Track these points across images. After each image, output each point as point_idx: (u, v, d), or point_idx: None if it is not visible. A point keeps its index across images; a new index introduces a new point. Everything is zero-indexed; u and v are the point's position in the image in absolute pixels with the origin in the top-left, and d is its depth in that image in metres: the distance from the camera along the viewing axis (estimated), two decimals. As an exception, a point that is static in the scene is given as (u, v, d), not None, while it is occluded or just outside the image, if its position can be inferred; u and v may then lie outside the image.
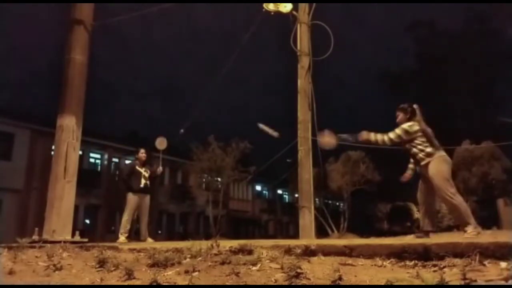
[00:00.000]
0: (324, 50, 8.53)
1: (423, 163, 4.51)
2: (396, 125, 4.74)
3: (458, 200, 4.25)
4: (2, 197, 19.26)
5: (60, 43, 6.75)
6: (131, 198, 7.17)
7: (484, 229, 4.24)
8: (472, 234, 4.04)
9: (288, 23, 8.58)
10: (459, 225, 4.30)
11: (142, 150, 7.55)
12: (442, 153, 4.52)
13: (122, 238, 6.97)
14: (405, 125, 4.59)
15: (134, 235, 8.06)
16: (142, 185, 7.23)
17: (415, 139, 4.55)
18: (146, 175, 7.33)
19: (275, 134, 7.40)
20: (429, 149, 4.48)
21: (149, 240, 7.16)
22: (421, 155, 4.52)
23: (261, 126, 7.40)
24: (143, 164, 7.43)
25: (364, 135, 4.79)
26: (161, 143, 7.97)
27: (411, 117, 4.66)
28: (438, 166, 4.40)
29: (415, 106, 4.73)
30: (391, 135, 4.63)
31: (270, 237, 28.55)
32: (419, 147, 4.52)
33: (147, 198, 7.36)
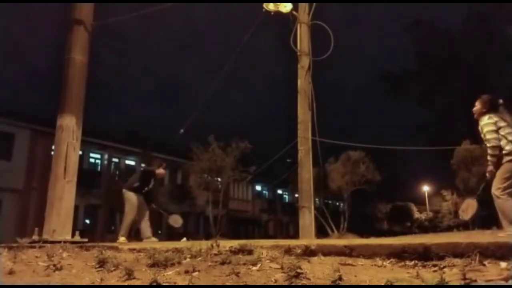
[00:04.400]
0: (324, 50, 8.53)
1: (504, 160, 4.19)
2: (471, 114, 4.51)
3: (500, 202, 4.05)
4: (2, 197, 19.25)
5: (60, 43, 6.75)
6: (134, 196, 7.18)
7: (484, 229, 4.19)
8: (506, 234, 3.83)
9: (288, 23, 8.59)
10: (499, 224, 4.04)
11: (165, 167, 7.86)
12: None
13: (122, 238, 6.95)
14: (486, 120, 4.28)
15: (134, 235, 8.06)
16: (146, 190, 7.39)
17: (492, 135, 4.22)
18: (151, 186, 7.53)
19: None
20: (509, 147, 4.14)
21: (153, 239, 7.17)
22: (500, 154, 4.20)
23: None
24: (156, 179, 7.68)
25: (489, 170, 4.36)
26: (176, 221, 8.16)
27: (488, 111, 4.33)
28: (503, 167, 4.13)
29: (500, 101, 4.37)
30: (492, 142, 4.22)
31: (270, 237, 28.55)
32: (503, 141, 4.18)
33: (145, 203, 7.45)
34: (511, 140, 4.17)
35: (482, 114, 4.39)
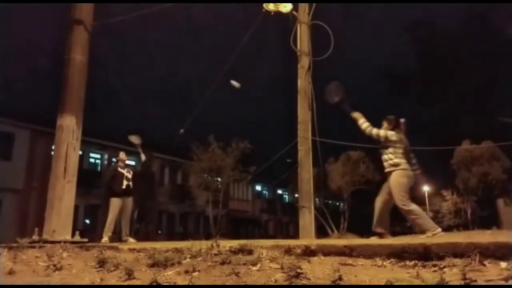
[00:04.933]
0: (324, 50, 8.52)
1: (386, 170, 4.93)
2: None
3: (412, 207, 4.65)
4: (2, 197, 19.24)
5: (60, 43, 6.75)
6: (115, 202, 7.22)
7: (484, 229, 4.33)
8: (428, 235, 4.36)
9: (288, 23, 8.58)
10: (418, 231, 4.67)
11: (122, 152, 7.73)
12: (406, 166, 4.86)
13: (105, 238, 7.04)
14: (389, 132, 4.99)
15: (134, 235, 8.08)
16: (124, 187, 7.27)
17: (389, 147, 4.93)
18: (129, 176, 7.39)
19: (237, 85, 8.10)
20: (396, 160, 4.85)
21: (131, 240, 7.18)
22: (387, 163, 4.92)
23: (232, 82, 8.08)
24: (125, 166, 7.52)
25: (356, 114, 5.24)
26: (134, 139, 8.10)
27: (393, 129, 5.03)
28: (399, 178, 4.78)
29: (401, 120, 5.09)
30: (374, 130, 5.04)
31: (270, 237, 28.55)
32: (390, 155, 4.90)
33: (130, 200, 7.42)
34: (396, 157, 4.84)
35: (389, 130, 5.05)
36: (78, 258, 3.61)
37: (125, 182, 7.28)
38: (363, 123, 5.14)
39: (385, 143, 4.96)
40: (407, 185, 4.78)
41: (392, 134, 4.94)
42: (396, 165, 4.83)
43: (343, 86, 5.49)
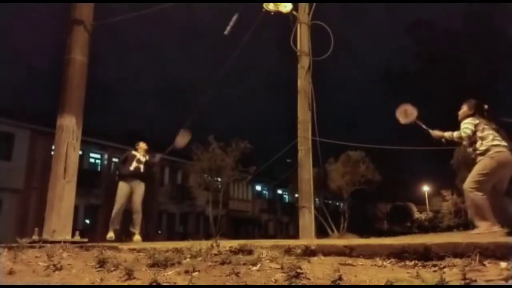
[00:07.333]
0: (324, 50, 8.53)
1: (477, 160, 4.32)
2: (456, 116, 4.65)
3: (476, 196, 4.12)
4: (2, 197, 19.24)
5: (60, 43, 6.75)
6: (121, 188, 6.79)
7: None
8: (477, 232, 4.02)
9: (288, 23, 8.59)
10: (475, 224, 4.21)
11: (143, 142, 7.19)
12: (498, 149, 4.18)
13: (110, 234, 6.63)
14: (474, 121, 4.38)
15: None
16: (132, 168, 6.74)
17: (474, 135, 4.34)
18: (142, 159, 6.87)
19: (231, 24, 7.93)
20: (482, 148, 4.25)
21: (136, 237, 6.64)
22: (475, 153, 4.33)
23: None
24: (144, 154, 7.05)
25: (436, 132, 4.77)
26: (183, 138, 7.34)
27: (474, 114, 4.45)
28: (481, 163, 4.22)
29: (485, 106, 4.52)
30: (460, 133, 4.46)
31: (270, 237, 28.55)
32: (475, 145, 4.31)
33: (140, 186, 6.83)
34: (490, 140, 4.24)
35: (467, 117, 4.50)
36: (78, 258, 3.61)
37: (134, 164, 6.73)
38: (451, 134, 4.59)
39: (476, 133, 4.32)
40: (490, 169, 4.12)
41: (475, 120, 4.36)
42: (485, 152, 4.21)
43: (413, 106, 5.10)
